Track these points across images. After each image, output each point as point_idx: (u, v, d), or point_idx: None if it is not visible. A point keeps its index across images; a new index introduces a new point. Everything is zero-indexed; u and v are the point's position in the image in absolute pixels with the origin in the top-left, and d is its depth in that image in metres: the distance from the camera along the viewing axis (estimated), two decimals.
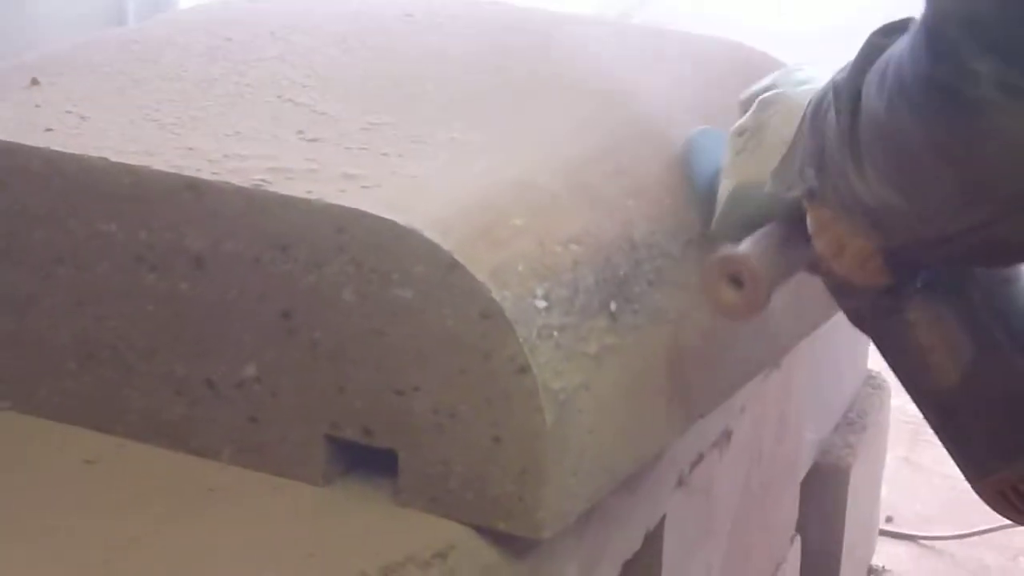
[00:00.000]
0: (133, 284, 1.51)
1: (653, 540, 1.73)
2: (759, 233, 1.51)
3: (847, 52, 1.34)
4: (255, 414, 1.49)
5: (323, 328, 1.45)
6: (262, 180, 1.48)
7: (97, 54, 1.85)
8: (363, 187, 1.48)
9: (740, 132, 1.57)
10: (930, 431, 3.71)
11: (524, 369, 1.40)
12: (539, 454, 1.41)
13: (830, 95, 1.34)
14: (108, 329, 1.53)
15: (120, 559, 1.37)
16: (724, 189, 1.57)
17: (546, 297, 1.44)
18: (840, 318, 1.91)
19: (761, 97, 1.56)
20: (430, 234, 1.41)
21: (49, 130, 1.57)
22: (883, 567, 2.61)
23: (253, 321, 1.47)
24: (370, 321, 1.43)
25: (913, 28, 1.17)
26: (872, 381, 2.57)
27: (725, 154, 1.59)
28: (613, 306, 1.51)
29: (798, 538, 2.20)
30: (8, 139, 1.56)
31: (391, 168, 1.54)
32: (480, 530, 1.44)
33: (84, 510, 1.45)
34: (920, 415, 3.53)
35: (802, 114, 1.44)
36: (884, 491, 2.79)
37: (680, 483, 1.77)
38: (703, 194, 1.66)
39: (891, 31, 1.28)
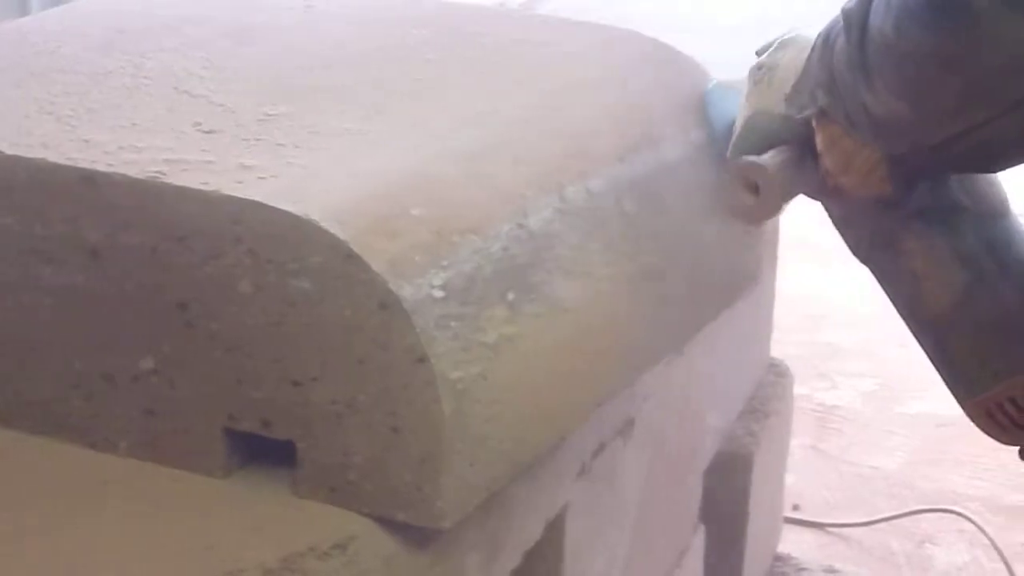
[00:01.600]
0: (29, 277, 1.50)
1: (555, 529, 1.73)
2: (774, 151, 1.62)
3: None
4: (153, 406, 1.48)
5: (220, 319, 1.44)
6: (158, 172, 1.47)
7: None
8: (259, 178, 1.48)
9: (758, 68, 1.69)
10: (837, 419, 3.76)
11: (422, 359, 1.40)
12: (438, 444, 1.42)
13: (840, 24, 1.46)
14: (4, 322, 1.52)
15: (8, 554, 1.37)
16: (741, 117, 1.69)
17: (444, 287, 1.44)
18: (742, 306, 1.92)
19: (780, 39, 1.68)
20: (327, 224, 1.41)
21: None
22: (789, 554, 2.62)
23: (150, 313, 1.47)
24: (267, 312, 1.43)
25: None
26: (775, 369, 2.58)
27: (744, 88, 1.71)
28: (511, 296, 1.51)
29: (702, 526, 2.21)
30: None
31: (287, 159, 1.53)
32: (380, 520, 1.44)
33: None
34: (825, 403, 3.58)
35: (811, 46, 1.57)
36: (790, 479, 2.81)
37: (582, 472, 1.77)
38: (721, 136, 1.80)
39: None
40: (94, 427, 1.51)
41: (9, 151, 1.51)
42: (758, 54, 1.74)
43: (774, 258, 2.49)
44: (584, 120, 1.76)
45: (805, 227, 2.96)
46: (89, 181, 1.48)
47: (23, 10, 4.19)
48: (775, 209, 1.62)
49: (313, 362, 1.42)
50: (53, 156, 1.50)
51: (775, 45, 1.69)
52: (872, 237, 1.61)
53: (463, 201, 1.54)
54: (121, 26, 1.90)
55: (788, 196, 1.60)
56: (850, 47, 1.42)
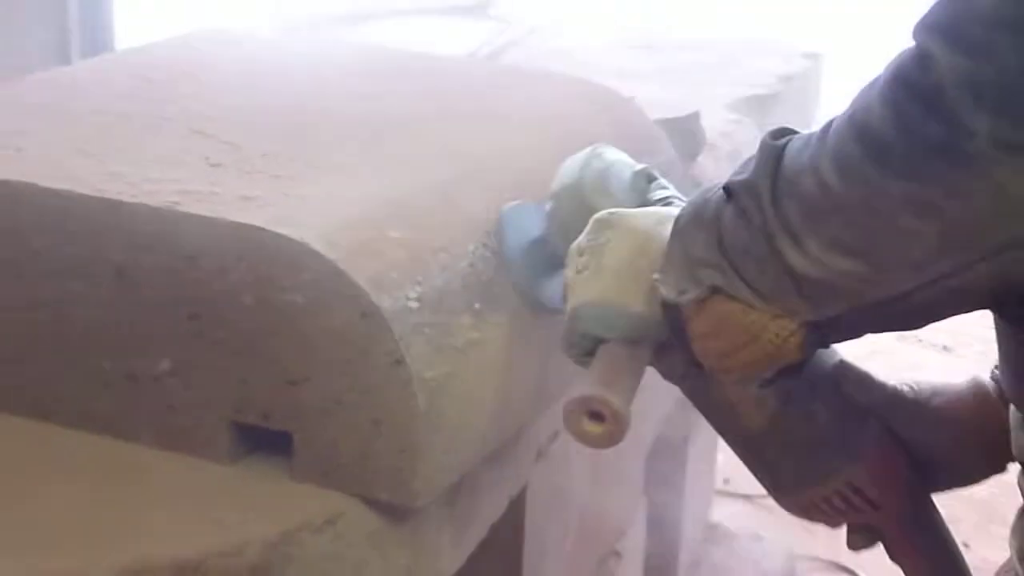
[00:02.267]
0: (63, 292, 1.49)
1: (516, 505, 1.74)
2: (605, 358, 1.43)
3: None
4: (170, 403, 1.48)
5: (226, 328, 1.44)
6: (173, 201, 1.47)
7: (37, 93, 1.83)
8: (259, 206, 1.48)
9: (580, 252, 1.45)
10: None
11: (399, 361, 1.40)
12: (414, 434, 1.42)
13: (719, 198, 1.28)
14: (43, 331, 1.52)
15: (54, 522, 1.38)
16: (568, 307, 1.45)
17: (418, 299, 1.44)
18: None
19: (596, 217, 1.45)
20: (317, 246, 1.41)
21: None
22: (721, 523, 2.62)
23: (167, 323, 1.47)
24: (266, 322, 1.43)
25: (863, 104, 1.14)
26: None
27: (567, 271, 1.46)
28: (477, 306, 1.52)
29: (644, 500, 2.21)
30: None
31: (283, 190, 1.53)
32: (365, 500, 1.44)
33: (24, 482, 1.45)
34: None
35: (657, 236, 1.39)
36: (721, 457, 2.81)
37: (539, 456, 1.78)
38: (515, 263, 1.59)
39: (780, 135, 1.25)
40: (121, 421, 1.51)
41: (44, 184, 1.50)
42: (552, 197, 1.57)
43: None
44: (537, 154, 1.75)
45: None
46: (114, 209, 1.47)
47: (64, 59, 4.16)
48: (623, 434, 1.39)
49: (305, 364, 1.43)
50: (83, 188, 1.49)
51: (591, 224, 1.45)
52: (686, 366, 1.44)
53: (435, 225, 1.53)
54: (145, 75, 1.90)
55: (630, 406, 1.40)
56: (754, 220, 1.23)
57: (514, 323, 1.57)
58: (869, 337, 1.38)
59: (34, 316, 1.51)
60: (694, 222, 1.32)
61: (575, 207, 1.50)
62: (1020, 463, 1.30)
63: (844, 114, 1.16)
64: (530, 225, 1.58)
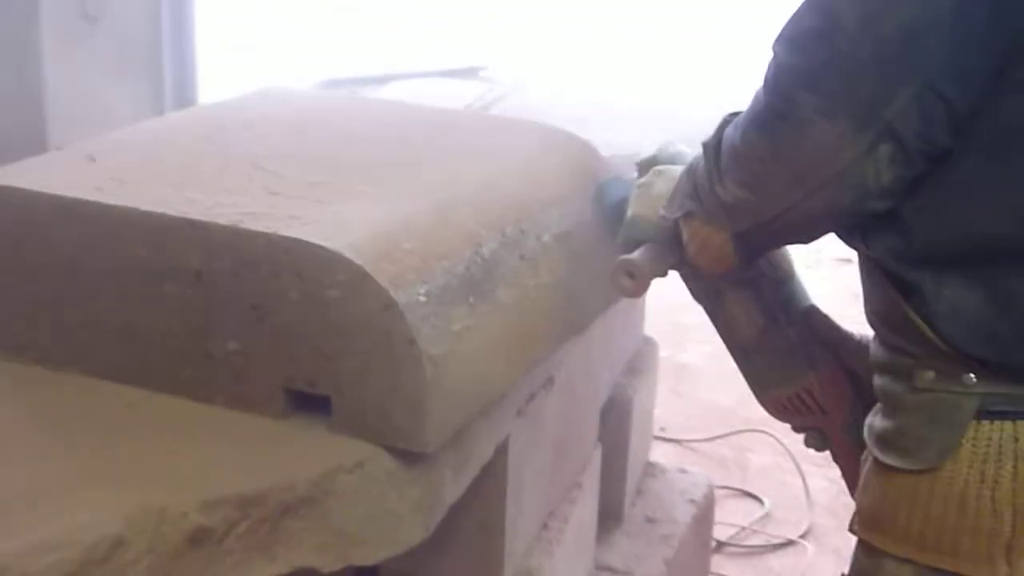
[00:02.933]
0: (156, 290, 1.50)
1: (501, 451, 1.73)
2: (644, 247, 1.58)
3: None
4: (238, 374, 1.48)
5: (279, 316, 1.45)
6: (238, 220, 1.47)
7: (135, 138, 1.83)
8: (304, 224, 1.48)
9: (639, 185, 1.65)
10: (688, 373, 3.72)
11: (412, 342, 1.40)
12: (423, 396, 1.42)
13: (699, 155, 1.45)
14: (141, 319, 1.52)
15: (152, 462, 1.38)
16: (627, 215, 1.63)
17: (426, 295, 1.44)
18: (623, 302, 1.92)
19: (655, 168, 1.65)
20: (348, 254, 1.41)
21: (99, 189, 1.56)
22: (657, 461, 2.62)
23: (234, 312, 1.47)
24: (310, 311, 1.43)
25: (756, 90, 1.32)
26: (646, 341, 2.59)
27: (631, 195, 1.66)
28: (471, 299, 1.52)
29: (599, 446, 2.21)
30: (73, 196, 1.54)
31: (323, 211, 1.53)
32: (386, 447, 1.44)
33: (126, 433, 1.45)
34: (680, 362, 3.53)
35: (677, 177, 1.53)
36: (657, 412, 2.80)
37: (519, 413, 1.77)
38: (612, 216, 1.76)
39: (733, 114, 1.40)
40: (200, 387, 1.51)
41: (143, 208, 1.51)
42: (638, 165, 1.72)
43: None
44: (517, 185, 1.75)
45: None
46: (193, 226, 1.47)
47: (158, 111, 4.15)
48: (646, 288, 1.57)
49: (340, 344, 1.43)
50: (171, 211, 1.50)
51: (651, 171, 1.65)
52: (707, 290, 1.62)
53: (438, 238, 1.53)
54: (219, 123, 1.90)
55: (656, 276, 1.57)
56: (707, 162, 1.40)
57: (499, 312, 1.56)
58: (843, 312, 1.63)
59: (137, 308, 1.52)
60: (687, 173, 1.49)
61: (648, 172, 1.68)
62: (873, 372, 1.40)
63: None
64: (621, 190, 1.77)
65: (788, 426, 1.66)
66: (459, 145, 1.86)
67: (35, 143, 3.98)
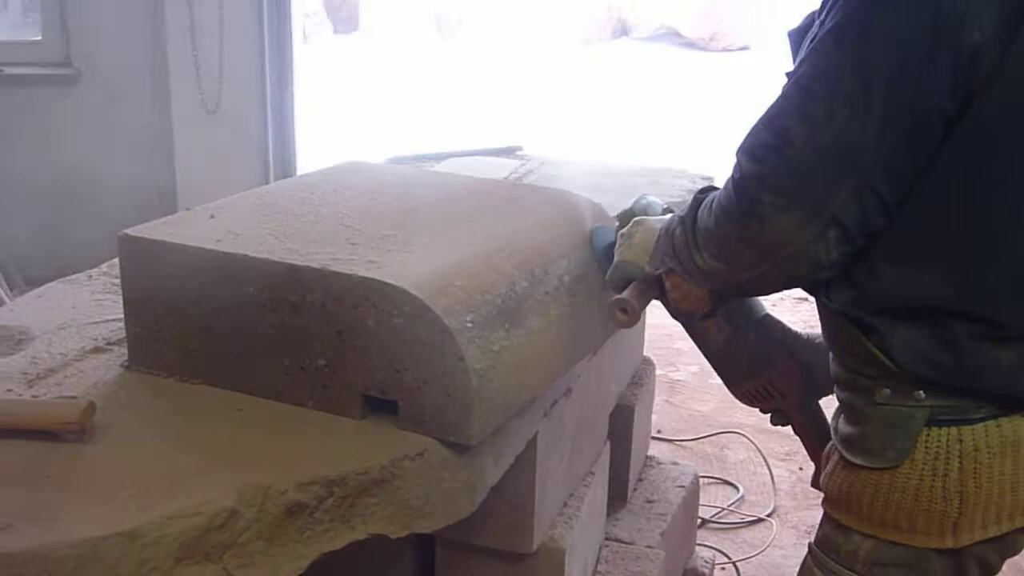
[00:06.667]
0: (260, 318, 1.50)
1: (531, 444, 1.73)
2: (631, 286, 1.56)
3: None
4: (325, 383, 1.49)
5: (358, 339, 1.45)
6: (326, 264, 1.48)
7: (246, 201, 1.83)
8: (377, 267, 1.48)
9: (622, 235, 1.61)
10: (679, 386, 3.68)
11: (461, 358, 1.41)
12: (470, 401, 1.42)
13: (676, 223, 1.41)
14: (250, 341, 1.52)
15: (258, 450, 1.39)
16: (615, 259, 1.61)
17: (472, 322, 1.45)
18: (628, 330, 1.92)
19: (635, 219, 1.61)
20: (412, 291, 1.42)
21: (218, 240, 1.57)
22: (654, 456, 2.61)
23: (323, 336, 1.47)
24: (382, 335, 1.43)
25: (725, 184, 1.29)
26: (646, 361, 2.58)
27: (616, 243, 1.63)
28: (507, 326, 1.51)
29: (608, 442, 2.20)
30: (198, 245, 1.55)
31: (393, 257, 1.54)
32: (441, 440, 1.44)
33: (237, 430, 1.46)
34: (672, 378, 3.49)
35: (656, 233, 1.52)
36: (655, 417, 2.80)
37: (545, 415, 1.77)
38: (600, 259, 1.73)
39: (706, 191, 1.38)
40: (295, 394, 1.51)
41: (251, 254, 1.51)
42: (619, 216, 1.69)
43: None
44: (543, 238, 1.74)
45: None
46: (292, 269, 1.48)
47: (264, 180, 4.19)
48: (638, 320, 1.55)
49: (405, 360, 1.43)
50: (274, 257, 1.50)
51: (631, 223, 1.61)
52: (688, 318, 1.60)
53: (481, 278, 1.53)
54: (311, 190, 1.90)
55: (643, 308, 1.56)
56: (685, 235, 1.37)
57: (529, 335, 1.56)
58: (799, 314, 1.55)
59: (247, 332, 1.52)
60: (665, 233, 1.45)
61: (627, 222, 1.63)
62: (835, 386, 1.39)
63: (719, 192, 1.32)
64: (606, 236, 1.73)
65: (758, 427, 1.67)
66: (498, 207, 1.85)
67: (168, 205, 4.03)
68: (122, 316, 1.63)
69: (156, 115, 4.26)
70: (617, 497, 2.33)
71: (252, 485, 1.30)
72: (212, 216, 1.69)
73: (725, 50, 12.06)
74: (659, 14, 12.30)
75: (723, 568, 2.77)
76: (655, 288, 1.55)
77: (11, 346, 1.70)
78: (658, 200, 1.68)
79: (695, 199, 1.38)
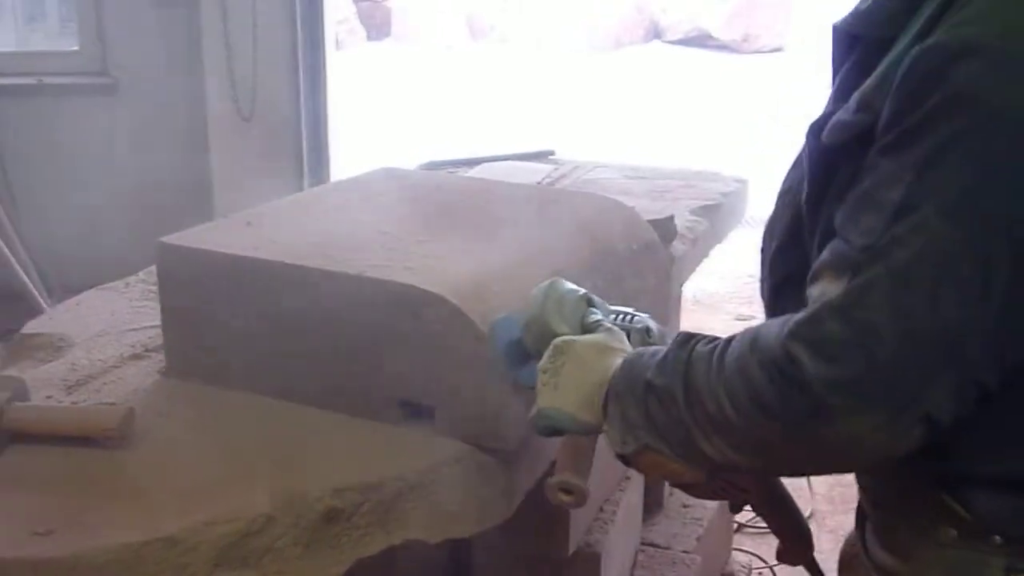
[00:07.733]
0: (298, 324, 1.50)
1: None
2: (569, 446, 1.26)
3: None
4: (363, 390, 1.49)
5: (395, 345, 1.45)
6: (363, 270, 1.48)
7: (282, 208, 1.84)
8: (413, 273, 1.48)
9: (543, 371, 1.24)
10: None
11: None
12: (505, 407, 1.42)
13: (650, 391, 1.12)
14: (287, 347, 1.53)
15: (312, 450, 1.41)
16: (536, 407, 1.25)
17: None
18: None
19: (554, 344, 1.25)
20: (448, 296, 1.42)
21: (256, 248, 1.57)
22: None
23: (360, 342, 1.47)
24: (419, 341, 1.43)
25: (761, 371, 1.01)
26: None
27: (537, 383, 1.25)
28: None
29: None
30: (235, 253, 1.56)
31: (428, 263, 1.53)
32: (478, 445, 1.44)
33: (276, 436, 1.46)
34: None
35: (602, 382, 1.19)
36: None
37: None
38: (504, 358, 1.37)
39: (684, 342, 1.12)
40: (333, 399, 1.51)
41: (288, 261, 1.52)
42: (524, 325, 1.33)
43: (678, 311, 2.48)
44: (577, 242, 1.74)
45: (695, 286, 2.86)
46: (329, 276, 1.49)
47: (298, 188, 4.21)
48: (585, 501, 1.25)
49: (442, 367, 1.43)
50: (311, 263, 1.50)
51: (551, 349, 1.25)
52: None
53: (515, 284, 1.52)
54: (346, 196, 1.91)
55: (588, 479, 1.26)
56: (675, 409, 1.09)
57: None
58: None
59: (283, 339, 1.53)
60: (628, 391, 1.15)
61: (540, 328, 1.30)
62: (872, 503, 1.22)
63: (730, 361, 1.05)
64: (511, 330, 1.35)
65: None
66: (532, 212, 1.85)
67: (204, 213, 4.06)
68: (160, 323, 1.64)
69: (192, 123, 4.29)
70: (654, 503, 2.33)
71: (289, 491, 1.31)
72: (248, 223, 1.69)
73: (757, 52, 12.00)
74: (691, 16, 12.26)
75: (760, 573, 2.75)
76: (594, 442, 1.25)
77: (51, 353, 1.73)
78: (574, 287, 1.34)
79: (677, 359, 1.11)
